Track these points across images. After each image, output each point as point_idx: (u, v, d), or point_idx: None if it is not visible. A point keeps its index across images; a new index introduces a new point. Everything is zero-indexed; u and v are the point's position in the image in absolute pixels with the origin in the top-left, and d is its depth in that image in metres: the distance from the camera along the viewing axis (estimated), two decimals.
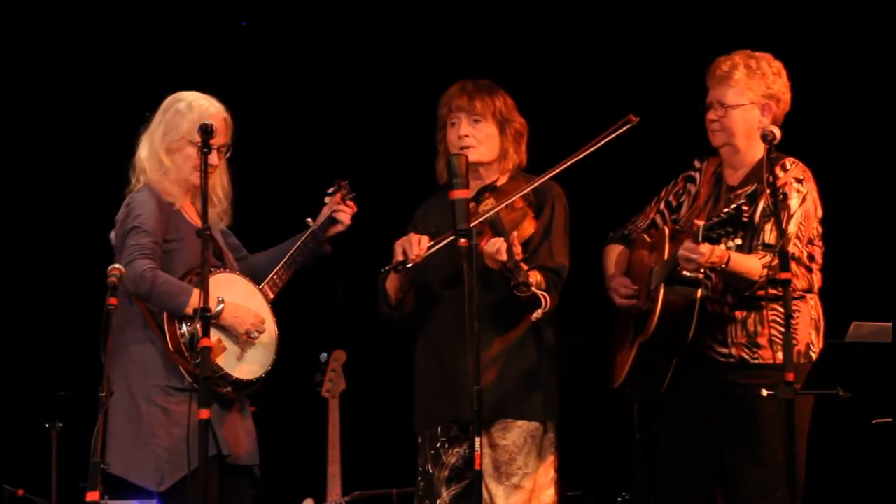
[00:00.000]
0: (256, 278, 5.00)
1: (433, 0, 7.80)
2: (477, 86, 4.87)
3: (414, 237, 4.71)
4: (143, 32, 7.80)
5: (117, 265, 4.65)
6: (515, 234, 4.62)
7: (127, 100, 7.52)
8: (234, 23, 8.01)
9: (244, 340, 4.82)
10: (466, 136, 4.82)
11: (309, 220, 5.14)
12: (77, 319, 5.99)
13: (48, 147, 7.85)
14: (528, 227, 4.75)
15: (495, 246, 4.57)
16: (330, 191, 5.20)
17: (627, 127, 4.71)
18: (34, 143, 7.85)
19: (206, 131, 4.62)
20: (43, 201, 7.84)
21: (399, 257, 4.70)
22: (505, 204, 4.71)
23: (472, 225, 4.50)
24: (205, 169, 4.61)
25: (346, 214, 5.13)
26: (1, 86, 7.73)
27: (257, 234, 5.26)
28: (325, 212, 5.15)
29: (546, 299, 4.55)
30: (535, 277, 4.64)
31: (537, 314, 4.55)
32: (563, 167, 4.76)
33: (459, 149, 4.79)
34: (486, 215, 4.67)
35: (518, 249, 4.57)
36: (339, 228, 5.14)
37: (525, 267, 4.57)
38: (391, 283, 4.82)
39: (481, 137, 4.83)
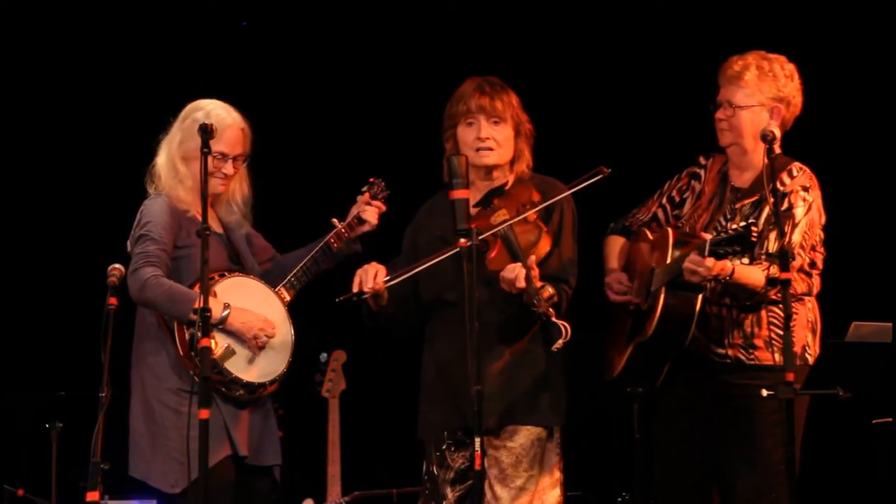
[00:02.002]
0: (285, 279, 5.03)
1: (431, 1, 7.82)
2: (493, 85, 4.80)
3: (370, 269, 4.70)
4: (144, 32, 7.80)
5: (117, 265, 4.67)
6: (533, 257, 4.57)
7: (126, 100, 7.58)
8: (234, 23, 8.02)
9: (254, 345, 4.83)
10: (488, 138, 4.76)
11: (335, 220, 5.14)
12: (77, 319, 5.99)
13: (48, 147, 7.85)
14: (544, 246, 4.68)
15: (513, 273, 4.53)
16: (364, 189, 5.19)
17: (598, 178, 4.67)
18: (34, 143, 7.85)
19: (206, 131, 4.62)
20: (44, 201, 7.84)
21: (355, 288, 4.69)
22: (519, 218, 4.65)
23: (483, 237, 4.52)
24: (204, 169, 4.61)
25: (373, 214, 5.12)
26: (6, 87, 7.74)
27: (287, 236, 5.27)
28: (353, 210, 5.15)
29: (566, 329, 4.48)
30: (549, 290, 4.57)
31: (557, 345, 4.49)
32: (540, 207, 4.70)
33: (476, 150, 4.75)
34: (499, 228, 4.62)
35: (536, 273, 4.52)
36: (365, 228, 5.13)
37: (545, 296, 4.51)
38: (370, 299, 4.78)
39: (501, 139, 4.78)
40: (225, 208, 5.03)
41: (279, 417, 5.14)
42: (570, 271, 4.76)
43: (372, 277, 4.68)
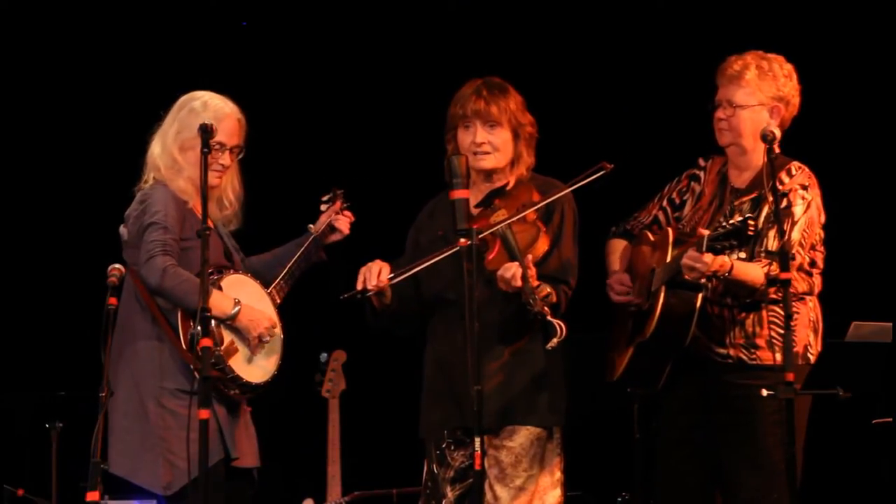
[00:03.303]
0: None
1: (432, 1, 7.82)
2: (491, 88, 4.79)
3: (375, 267, 4.70)
4: (143, 32, 7.80)
5: (117, 265, 4.65)
6: (530, 257, 4.58)
7: (127, 100, 7.58)
8: (234, 23, 8.02)
9: (255, 344, 4.82)
10: (483, 143, 4.76)
11: (311, 226, 5.15)
12: (77, 319, 5.99)
13: (48, 146, 7.85)
14: (542, 246, 4.69)
15: (510, 271, 4.53)
16: (325, 198, 5.21)
17: (601, 174, 4.67)
18: (33, 143, 7.85)
19: (206, 131, 4.61)
20: (43, 201, 7.84)
21: (359, 286, 4.69)
22: (517, 217, 4.66)
23: (482, 236, 4.53)
24: (204, 169, 4.61)
25: (345, 224, 5.17)
26: (5, 87, 7.74)
27: (248, 237, 5.26)
28: (324, 219, 5.16)
29: (561, 328, 4.48)
30: (546, 289, 4.56)
31: (552, 343, 4.50)
32: (539, 205, 4.71)
33: (473, 154, 4.75)
34: (497, 227, 4.62)
35: (533, 272, 4.52)
36: (336, 237, 5.18)
37: (541, 295, 4.51)
38: (373, 297, 4.78)
39: (497, 144, 4.77)
40: (216, 204, 5.01)
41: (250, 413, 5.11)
42: (570, 272, 4.76)
43: (376, 275, 4.68)
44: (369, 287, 4.67)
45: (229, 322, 4.76)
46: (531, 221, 4.70)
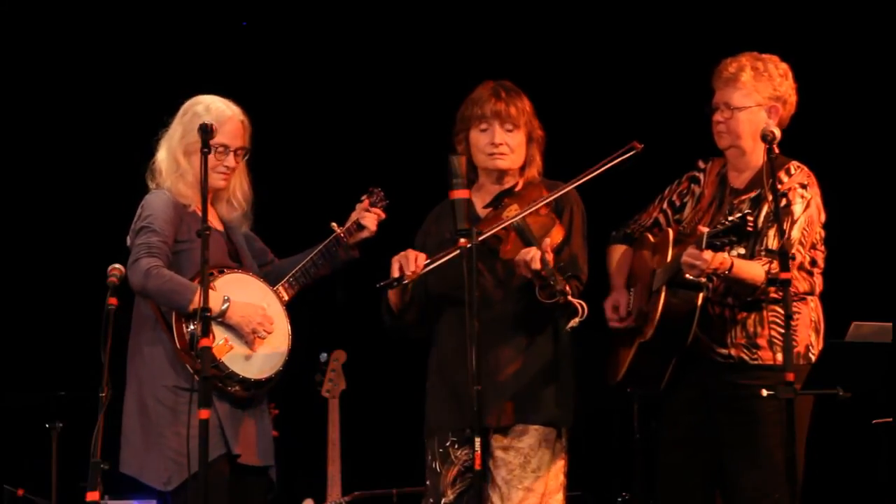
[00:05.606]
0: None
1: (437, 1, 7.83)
2: (508, 91, 4.80)
3: (411, 254, 4.68)
4: (145, 33, 7.81)
5: (117, 265, 4.67)
6: (548, 240, 4.58)
7: (127, 101, 7.59)
8: (235, 23, 8.02)
9: (252, 340, 4.83)
10: (501, 143, 4.76)
11: (334, 224, 5.15)
12: (77, 319, 5.99)
13: (49, 147, 7.86)
14: (558, 235, 4.70)
15: (529, 254, 4.53)
16: (363, 197, 5.20)
17: (631, 153, 4.68)
18: (34, 143, 7.86)
19: (206, 131, 4.63)
20: (44, 201, 7.84)
21: (395, 273, 4.66)
22: (531, 210, 4.67)
23: (496, 230, 4.57)
24: (204, 169, 4.62)
25: (372, 220, 5.13)
26: (5, 87, 7.74)
27: (286, 240, 5.26)
28: (353, 217, 5.16)
29: (583, 307, 4.49)
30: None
31: (574, 322, 4.49)
32: (563, 190, 4.72)
33: (489, 155, 4.76)
34: (513, 220, 4.63)
35: (551, 257, 4.53)
36: (364, 234, 5.14)
37: (560, 276, 4.52)
38: (393, 294, 4.78)
39: (514, 145, 4.78)
40: (225, 206, 5.04)
41: (274, 417, 5.13)
42: (581, 267, 4.77)
43: (413, 261, 4.66)
44: (407, 273, 4.65)
45: (220, 319, 4.77)
46: (544, 214, 4.71)
